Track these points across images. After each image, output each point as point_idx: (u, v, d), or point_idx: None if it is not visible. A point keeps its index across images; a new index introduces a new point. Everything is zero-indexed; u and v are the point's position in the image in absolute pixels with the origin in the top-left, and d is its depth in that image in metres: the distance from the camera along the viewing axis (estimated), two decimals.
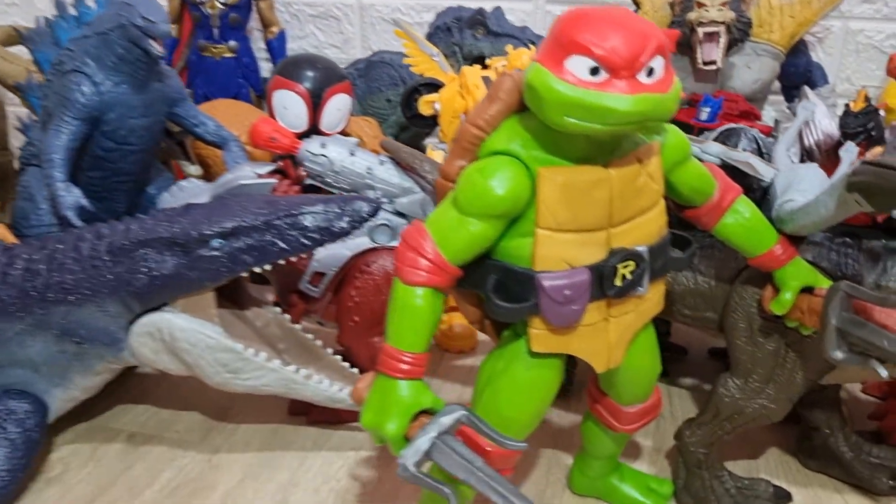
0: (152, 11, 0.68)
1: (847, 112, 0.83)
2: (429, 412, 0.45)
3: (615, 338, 0.49)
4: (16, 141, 1.07)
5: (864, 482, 0.68)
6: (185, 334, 0.62)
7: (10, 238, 0.73)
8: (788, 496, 0.66)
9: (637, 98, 0.40)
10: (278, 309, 0.69)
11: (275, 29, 1.18)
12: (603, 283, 0.46)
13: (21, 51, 1.11)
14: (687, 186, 0.51)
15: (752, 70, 0.97)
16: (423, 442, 0.43)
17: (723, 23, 0.94)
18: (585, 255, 0.45)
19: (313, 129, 0.79)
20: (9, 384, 0.64)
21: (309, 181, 0.74)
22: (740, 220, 0.53)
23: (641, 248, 0.47)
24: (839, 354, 0.49)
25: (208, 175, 0.91)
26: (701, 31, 0.94)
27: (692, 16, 0.94)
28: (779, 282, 0.54)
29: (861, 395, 0.84)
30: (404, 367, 0.45)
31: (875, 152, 0.59)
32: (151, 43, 0.68)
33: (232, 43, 1.14)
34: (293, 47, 1.24)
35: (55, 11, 0.80)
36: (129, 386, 0.79)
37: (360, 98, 1.06)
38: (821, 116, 0.84)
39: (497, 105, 0.45)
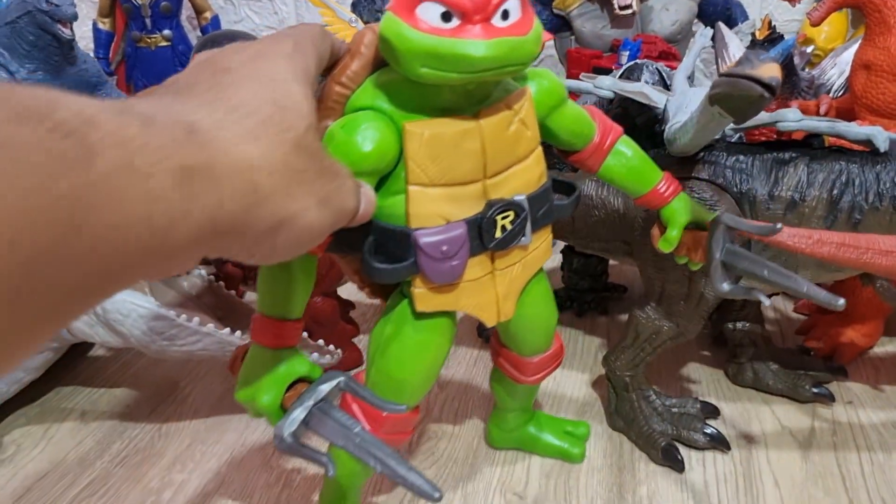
0: None
1: (753, 40, 0.85)
2: (306, 380, 0.43)
3: (503, 291, 0.47)
4: None
5: (788, 392, 0.71)
6: (115, 305, 0.64)
7: None
8: (716, 410, 0.68)
9: (492, 42, 0.37)
10: (204, 272, 0.71)
11: (208, 14, 1.20)
12: (482, 235, 0.44)
13: None
14: (565, 130, 0.48)
15: (670, 12, 1.00)
16: (299, 412, 0.41)
17: None
18: (461, 208, 0.43)
19: None
20: None
21: None
22: (622, 160, 0.51)
23: (520, 198, 0.44)
24: (725, 286, 0.50)
25: None
26: None
27: None
28: (665, 220, 0.53)
29: (792, 315, 0.87)
30: (280, 333, 0.43)
31: (730, 64, 0.61)
32: (60, 27, 0.70)
33: (166, 32, 1.15)
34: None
35: None
36: (80, 369, 0.81)
37: None
38: (733, 48, 0.87)
39: (359, 60, 0.42)
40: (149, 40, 1.15)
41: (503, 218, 0.44)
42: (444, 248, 0.42)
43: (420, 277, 0.44)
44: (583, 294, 0.89)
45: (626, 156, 0.51)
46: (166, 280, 0.69)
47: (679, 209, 0.53)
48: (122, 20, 1.18)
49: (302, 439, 0.41)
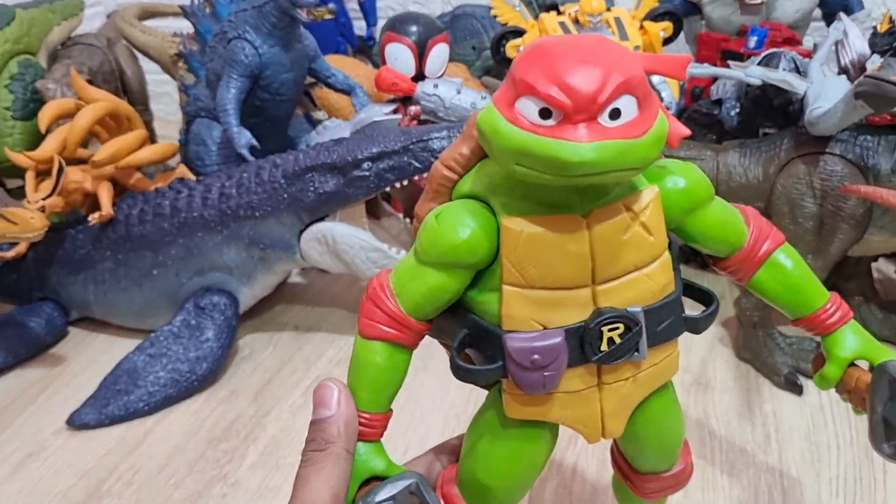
0: None
1: (875, 33, 0.96)
2: (381, 478, 0.40)
3: (610, 407, 0.41)
4: (154, 105, 1.27)
5: (891, 337, 0.84)
6: (343, 238, 0.80)
7: (191, 176, 0.92)
8: None
9: (593, 146, 0.32)
10: (408, 219, 0.87)
11: None
12: (584, 347, 0.38)
13: (153, 24, 1.30)
14: (705, 237, 0.42)
15: (793, 1, 1.10)
16: None
17: None
18: (562, 315, 0.38)
19: (419, 75, 0.96)
20: (211, 284, 0.83)
21: (423, 116, 0.91)
22: (779, 275, 0.43)
23: (634, 309, 0.38)
24: (886, 449, 0.42)
25: (330, 117, 1.08)
26: None
27: None
28: (825, 351, 0.45)
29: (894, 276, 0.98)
30: (360, 427, 0.39)
31: (875, 67, 0.73)
32: (298, 12, 0.85)
33: (331, 5, 1.30)
34: (381, 6, 1.39)
35: None
36: (286, 292, 0.98)
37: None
38: (853, 38, 0.98)
39: (468, 143, 0.39)
40: (316, 13, 1.30)
41: (611, 330, 0.38)
42: (536, 356, 0.37)
43: (510, 382, 0.39)
44: None
45: (784, 269, 0.43)
46: (375, 221, 0.85)
47: (842, 341, 0.44)
48: None
49: None
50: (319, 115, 1.03)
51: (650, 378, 0.41)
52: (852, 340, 0.44)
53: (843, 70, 0.89)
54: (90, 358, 0.87)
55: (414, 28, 0.97)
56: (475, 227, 0.37)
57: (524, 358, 0.37)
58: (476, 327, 0.39)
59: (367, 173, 0.78)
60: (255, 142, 0.87)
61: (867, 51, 0.90)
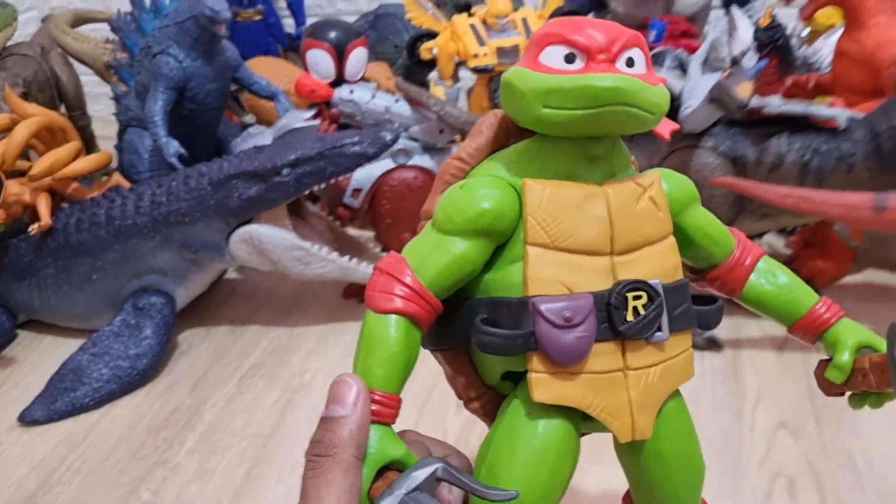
0: (217, 3, 0.91)
1: (757, 28, 1.05)
2: (398, 467, 0.37)
3: (638, 397, 0.39)
4: (94, 106, 1.31)
5: None
6: (269, 239, 0.86)
7: (126, 184, 0.97)
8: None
9: (619, 76, 0.36)
10: (331, 217, 0.93)
11: None
12: (612, 315, 0.38)
13: (86, 30, 1.34)
14: (701, 233, 0.43)
15: None
16: (389, 501, 0.35)
17: None
18: (586, 280, 0.38)
19: (340, 78, 1.02)
20: (147, 285, 0.90)
21: (342, 121, 0.97)
22: (770, 279, 0.45)
23: (654, 281, 0.39)
24: None
25: (259, 121, 1.14)
26: None
27: None
28: (830, 345, 0.45)
29: (783, 250, 1.08)
30: (373, 407, 0.36)
31: (724, 74, 0.81)
32: (218, 28, 0.91)
33: (259, 6, 1.36)
34: (309, 4, 1.45)
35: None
36: (222, 287, 1.05)
37: (371, 45, 1.28)
38: (743, 30, 1.06)
39: (479, 139, 0.42)
40: (245, 15, 1.36)
41: (635, 298, 0.38)
42: (568, 313, 0.37)
43: (538, 356, 0.38)
44: None
45: (773, 274, 0.45)
46: (299, 220, 0.92)
47: (845, 331, 0.44)
48: None
49: None
50: (247, 118, 1.09)
51: (672, 372, 0.41)
52: (853, 328, 0.44)
53: (733, 60, 0.98)
54: (38, 359, 0.93)
55: (333, 34, 1.03)
56: (502, 194, 0.38)
57: (556, 315, 0.37)
58: (494, 306, 0.39)
59: (286, 179, 0.84)
60: (183, 150, 0.93)
61: (749, 44, 0.99)
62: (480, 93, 1.09)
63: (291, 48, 1.42)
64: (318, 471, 0.34)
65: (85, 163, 0.92)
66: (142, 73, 0.98)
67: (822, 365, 0.45)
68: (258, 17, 1.36)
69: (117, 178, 0.98)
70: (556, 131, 0.38)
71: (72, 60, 1.26)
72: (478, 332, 0.38)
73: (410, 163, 0.96)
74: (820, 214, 0.73)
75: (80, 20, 1.36)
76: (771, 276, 0.45)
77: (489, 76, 1.08)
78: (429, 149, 0.97)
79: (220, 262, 0.90)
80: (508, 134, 0.42)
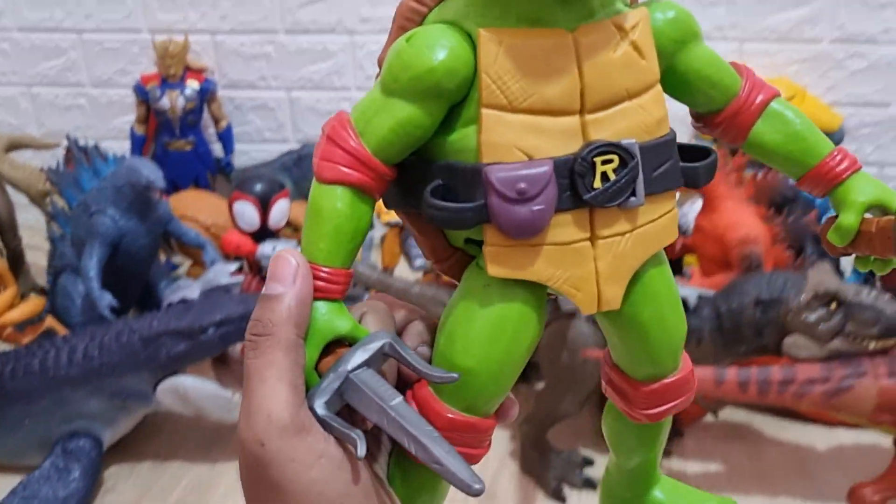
0: (152, 172, 1.01)
1: None
2: (349, 341, 0.36)
3: (605, 268, 0.36)
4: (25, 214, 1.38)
5: None
6: (193, 389, 0.95)
7: (59, 328, 1.05)
8: (591, 462, 1.03)
9: None
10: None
11: (223, 123, 1.50)
12: (575, 182, 0.34)
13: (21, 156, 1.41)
14: (698, 75, 0.39)
15: None
16: (332, 379, 0.34)
17: None
18: (549, 144, 0.34)
19: (264, 226, 1.13)
20: (77, 429, 0.97)
21: (265, 273, 1.07)
22: (778, 124, 0.40)
23: (629, 142, 0.35)
24: None
25: (191, 260, 1.24)
26: None
27: None
28: (838, 202, 0.41)
29: None
30: (318, 283, 0.35)
31: None
32: (152, 194, 1.01)
33: (190, 137, 1.46)
34: (238, 132, 1.55)
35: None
36: (147, 421, 1.12)
37: (295, 181, 1.39)
38: None
39: None
40: (176, 145, 1.45)
41: (604, 163, 0.35)
42: (522, 185, 0.34)
43: (492, 229, 0.35)
44: None
45: (784, 117, 0.40)
46: (222, 367, 1.01)
47: (856, 187, 0.40)
48: (153, 127, 1.48)
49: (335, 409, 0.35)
50: (177, 258, 1.18)
51: (647, 238, 0.37)
52: (867, 185, 0.40)
53: None
54: None
55: (258, 187, 1.14)
56: (454, 46, 0.33)
57: (509, 187, 0.33)
58: (449, 171, 0.35)
59: (211, 337, 0.94)
60: (115, 303, 1.02)
61: None
62: (392, 241, 1.21)
63: (220, 172, 1.52)
64: (258, 350, 0.33)
65: (19, 313, 1.00)
66: (79, 227, 1.06)
67: (830, 221, 0.41)
68: (189, 147, 1.46)
69: (50, 323, 1.05)
70: None
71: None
72: (426, 205, 0.35)
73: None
74: None
75: (14, 146, 1.42)
76: (780, 122, 0.40)
77: (400, 228, 1.20)
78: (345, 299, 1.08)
79: (147, 408, 0.98)
80: None
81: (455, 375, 0.35)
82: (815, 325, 0.87)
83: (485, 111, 0.34)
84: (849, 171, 0.40)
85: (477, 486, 0.32)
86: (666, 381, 0.40)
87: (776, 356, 0.91)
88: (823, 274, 0.90)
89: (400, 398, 0.34)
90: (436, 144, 0.36)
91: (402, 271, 1.29)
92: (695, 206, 1.20)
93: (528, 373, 1.24)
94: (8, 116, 1.63)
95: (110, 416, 0.97)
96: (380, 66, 0.37)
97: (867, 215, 0.39)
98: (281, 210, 1.14)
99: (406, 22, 0.36)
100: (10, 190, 1.34)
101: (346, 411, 0.34)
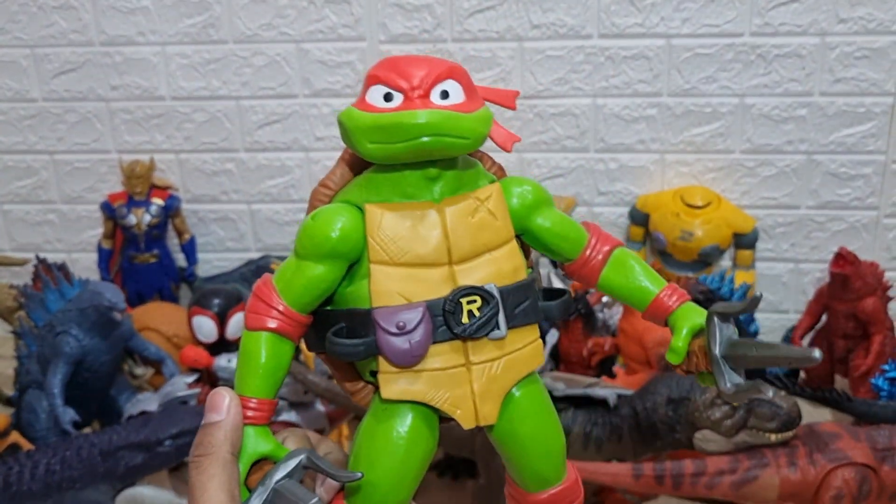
0: (114, 295, 1.09)
1: None
2: (273, 459, 0.43)
3: (481, 389, 0.44)
4: None
5: None
6: (150, 499, 1.01)
7: (24, 442, 1.11)
8: None
9: (430, 111, 0.41)
10: None
11: (186, 236, 1.59)
12: (447, 319, 0.43)
13: None
14: (550, 233, 0.48)
15: None
16: (260, 491, 0.41)
17: None
18: (423, 290, 0.43)
19: (222, 338, 1.21)
20: None
21: (221, 384, 1.15)
22: (622, 269, 0.48)
23: (489, 286, 0.43)
24: (729, 388, 0.44)
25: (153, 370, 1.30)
26: None
27: None
28: (671, 329, 0.48)
29: None
30: (248, 413, 0.43)
31: None
32: (115, 314, 1.09)
33: (155, 251, 1.54)
34: (201, 242, 1.64)
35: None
36: None
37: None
38: (555, 279, 1.31)
39: (340, 167, 0.47)
40: (142, 258, 1.54)
41: (469, 303, 0.43)
42: (401, 322, 0.42)
43: (382, 360, 0.43)
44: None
45: (624, 265, 0.49)
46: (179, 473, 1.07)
47: (683, 316, 0.47)
48: (120, 241, 1.57)
49: None
50: (139, 371, 1.25)
51: (516, 363, 0.45)
52: (694, 314, 0.47)
53: None
54: None
55: (216, 301, 1.22)
56: (346, 220, 0.43)
57: (389, 322, 0.42)
58: (350, 315, 0.44)
59: (168, 449, 1.00)
60: (77, 418, 1.08)
61: None
62: None
63: (183, 282, 1.60)
64: (202, 468, 0.41)
65: None
66: (44, 346, 1.13)
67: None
68: (154, 260, 1.54)
69: (15, 437, 1.11)
70: (385, 161, 0.43)
71: None
72: (329, 342, 0.43)
73: (279, 419, 1.13)
74: (593, 482, 0.94)
75: None
76: (622, 268, 0.48)
77: None
78: (295, 405, 1.15)
79: None
80: (363, 161, 0.46)
81: (358, 474, 0.43)
82: (720, 420, 0.95)
83: (373, 266, 0.43)
84: (678, 303, 0.48)
85: None
86: (552, 490, 0.48)
87: (691, 450, 0.99)
88: None
89: (317, 498, 0.41)
90: (340, 295, 0.45)
91: None
92: (620, 309, 1.29)
93: (469, 470, 1.31)
94: None
95: None
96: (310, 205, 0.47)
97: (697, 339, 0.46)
98: (238, 322, 1.22)
99: (318, 202, 0.46)
100: None
101: None
